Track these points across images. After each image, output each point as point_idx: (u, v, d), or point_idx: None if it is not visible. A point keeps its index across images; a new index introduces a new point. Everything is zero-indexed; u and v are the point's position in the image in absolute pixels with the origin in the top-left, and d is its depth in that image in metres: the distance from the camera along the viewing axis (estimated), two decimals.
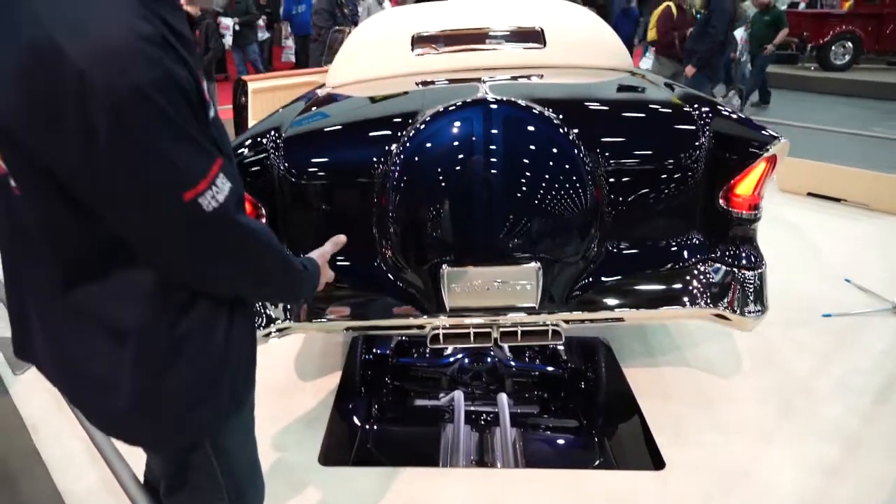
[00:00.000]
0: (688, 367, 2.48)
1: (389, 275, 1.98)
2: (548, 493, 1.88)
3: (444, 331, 1.95)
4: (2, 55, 0.71)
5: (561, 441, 2.32)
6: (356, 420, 2.31)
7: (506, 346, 2.51)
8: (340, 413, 2.30)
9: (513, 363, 2.53)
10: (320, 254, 1.25)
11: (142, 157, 0.73)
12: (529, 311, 1.91)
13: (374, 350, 2.59)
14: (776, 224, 3.85)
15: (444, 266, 1.86)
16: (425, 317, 1.95)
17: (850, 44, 10.20)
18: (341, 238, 1.33)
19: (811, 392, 2.33)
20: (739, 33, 7.17)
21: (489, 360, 2.56)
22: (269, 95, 4.00)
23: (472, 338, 1.95)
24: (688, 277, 1.94)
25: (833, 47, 10.26)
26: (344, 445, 2.16)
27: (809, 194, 4.53)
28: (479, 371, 2.56)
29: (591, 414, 2.31)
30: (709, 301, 1.91)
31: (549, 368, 2.53)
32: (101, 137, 0.70)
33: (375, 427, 2.30)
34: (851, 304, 2.97)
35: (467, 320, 1.93)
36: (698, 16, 5.56)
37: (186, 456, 1.05)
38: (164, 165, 0.74)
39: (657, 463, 1.99)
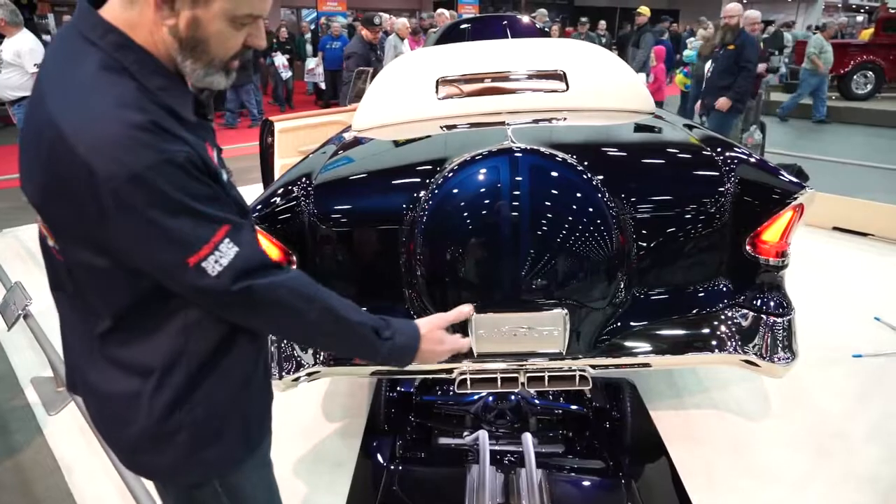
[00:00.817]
0: (716, 410, 2.45)
1: (417, 317, 2.00)
2: None
3: (472, 375, 1.96)
4: (33, 148, 0.86)
5: (587, 483, 2.30)
6: (381, 460, 2.31)
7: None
8: (366, 454, 2.30)
9: (537, 401, 2.52)
10: (436, 321, 1.22)
11: (146, 230, 0.83)
12: (556, 356, 1.91)
13: (398, 388, 2.59)
14: (801, 259, 3.81)
15: (471, 312, 1.87)
16: (452, 362, 1.96)
17: (871, 73, 10.17)
18: (465, 309, 1.30)
19: (845, 436, 2.29)
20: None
21: (513, 398, 2.55)
22: (295, 135, 4.10)
23: (499, 383, 1.96)
24: (716, 323, 1.93)
25: (854, 77, 10.24)
26: (370, 488, 2.16)
27: (835, 228, 4.48)
28: (502, 409, 2.54)
29: (618, 455, 2.29)
30: (737, 347, 1.90)
31: (574, 407, 2.52)
32: (111, 214, 0.81)
33: (401, 468, 2.30)
34: (882, 344, 2.92)
35: (494, 365, 1.94)
36: (720, 51, 5.56)
37: (194, 493, 1.09)
38: (165, 236, 0.84)
39: None
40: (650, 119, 2.65)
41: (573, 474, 2.32)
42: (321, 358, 2.00)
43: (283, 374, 1.98)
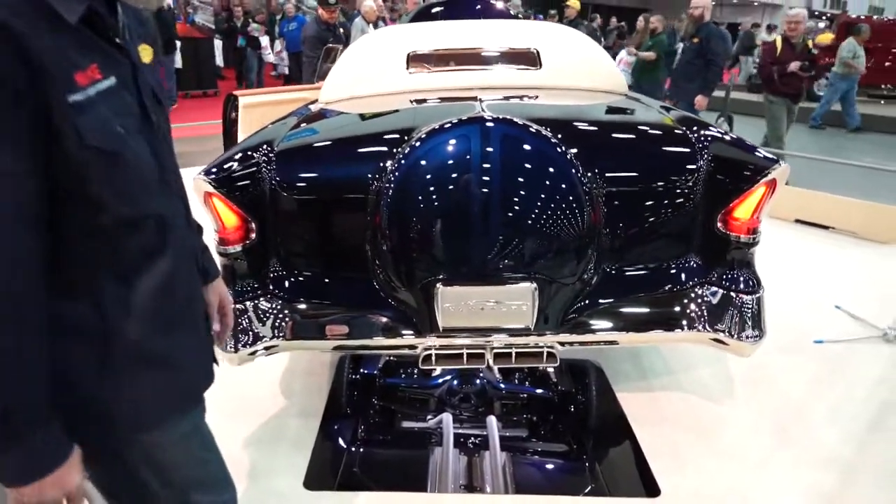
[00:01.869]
0: (682, 392, 2.44)
1: (381, 293, 1.93)
2: None
3: (437, 351, 1.90)
4: None
5: (551, 466, 2.27)
6: (342, 442, 2.24)
7: (496, 368, 2.46)
8: (326, 435, 2.22)
9: (502, 385, 2.48)
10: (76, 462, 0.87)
11: None
12: (524, 332, 1.86)
13: (361, 370, 2.52)
14: (765, 249, 3.84)
15: (437, 285, 1.82)
16: (418, 337, 1.90)
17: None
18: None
19: (806, 418, 2.30)
20: None
21: (478, 381, 2.51)
22: (261, 111, 3.97)
23: (464, 359, 1.90)
24: (685, 301, 1.91)
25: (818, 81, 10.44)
26: (329, 469, 2.08)
27: (797, 221, 4.55)
28: (467, 393, 2.50)
29: (582, 438, 2.26)
30: (706, 325, 1.88)
31: (539, 391, 2.48)
32: None
33: (362, 450, 2.23)
34: (842, 331, 2.96)
35: (460, 341, 1.89)
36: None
37: (113, 468, 1.00)
38: None
39: (652, 490, 1.94)
40: (623, 100, 2.62)
41: (537, 457, 2.28)
42: (280, 331, 1.92)
43: (239, 346, 1.89)
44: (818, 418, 2.30)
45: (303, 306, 1.94)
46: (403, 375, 2.58)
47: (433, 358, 1.90)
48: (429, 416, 2.41)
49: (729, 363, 2.63)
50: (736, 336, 1.86)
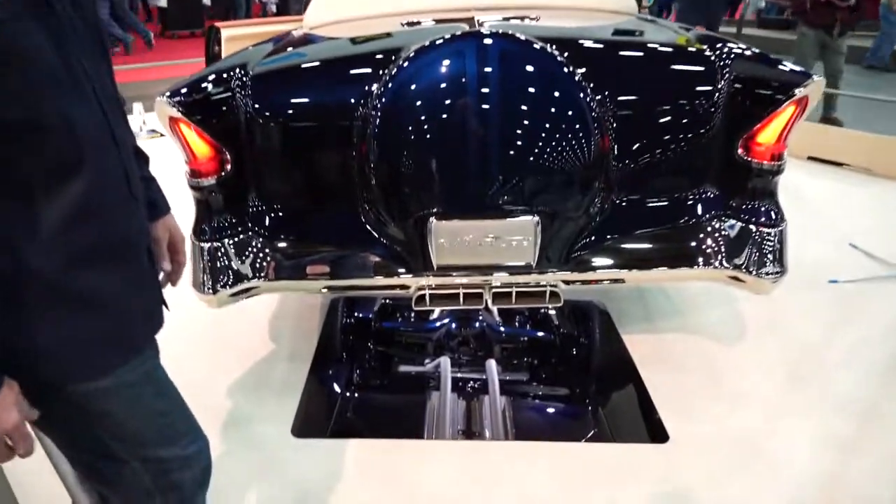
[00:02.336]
0: (690, 334, 2.32)
1: (371, 229, 1.78)
2: (541, 468, 1.72)
3: (431, 291, 1.76)
4: None
5: (552, 410, 2.18)
6: (335, 388, 2.13)
7: (496, 309, 2.34)
8: (317, 381, 2.12)
9: (502, 328, 2.36)
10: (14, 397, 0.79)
11: None
12: (525, 269, 1.72)
13: (356, 314, 2.40)
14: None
15: (431, 220, 1.66)
16: (410, 276, 1.76)
17: None
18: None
19: (821, 361, 2.18)
20: None
21: (477, 325, 2.39)
22: (245, 44, 3.71)
23: (461, 299, 1.77)
24: (701, 235, 1.76)
25: None
26: (320, 416, 1.98)
27: (810, 158, 4.36)
28: (466, 336, 2.39)
29: (585, 382, 2.16)
30: (724, 261, 1.73)
31: (540, 334, 2.37)
32: None
33: (356, 395, 2.13)
34: (857, 270, 2.82)
35: (456, 280, 1.75)
36: None
37: (57, 419, 0.88)
38: None
39: (659, 436, 1.84)
40: (634, 20, 2.41)
41: (538, 401, 2.19)
42: (262, 271, 1.77)
43: (218, 287, 1.75)
44: (833, 361, 2.19)
45: (285, 244, 1.79)
46: (400, 319, 2.46)
47: (427, 298, 1.77)
48: (426, 361, 2.30)
49: (740, 304, 2.50)
50: (755, 273, 1.72)
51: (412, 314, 2.43)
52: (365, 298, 2.44)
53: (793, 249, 2.91)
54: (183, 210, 1.85)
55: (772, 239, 1.72)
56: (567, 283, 1.77)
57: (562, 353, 2.28)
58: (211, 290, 1.74)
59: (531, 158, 1.63)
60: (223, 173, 1.71)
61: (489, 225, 1.67)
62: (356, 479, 1.67)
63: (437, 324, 2.39)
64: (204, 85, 1.71)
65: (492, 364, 2.22)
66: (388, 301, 2.48)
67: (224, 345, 2.24)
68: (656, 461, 1.75)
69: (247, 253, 1.76)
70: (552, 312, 2.43)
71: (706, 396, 1.99)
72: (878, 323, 2.43)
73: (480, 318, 2.36)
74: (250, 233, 1.78)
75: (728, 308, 2.48)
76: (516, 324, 2.42)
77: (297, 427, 1.87)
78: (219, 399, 1.97)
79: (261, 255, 1.77)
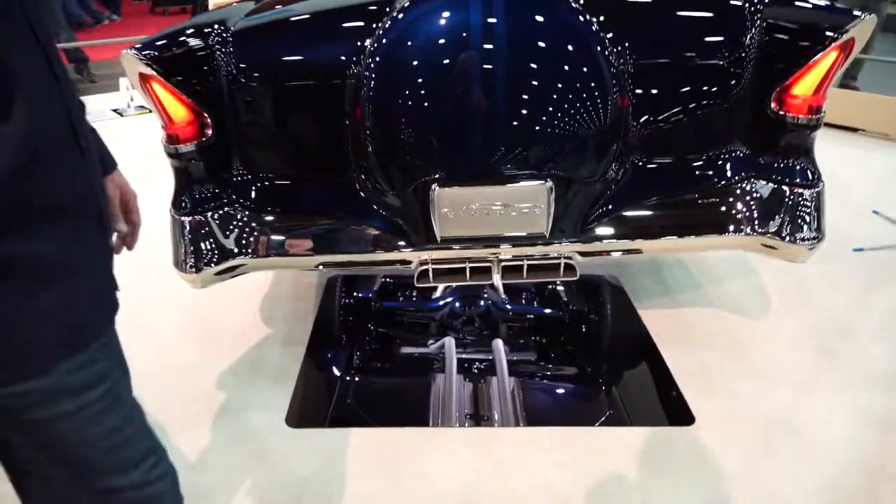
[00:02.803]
0: (711, 308, 2.18)
1: (368, 199, 1.63)
2: (557, 455, 1.58)
3: (434, 266, 1.61)
4: None
5: (564, 391, 2.04)
6: (335, 372, 2.00)
7: (501, 286, 2.19)
8: (314, 366, 1.98)
9: (508, 306, 2.22)
10: None
11: None
12: (538, 240, 1.57)
13: (355, 293, 2.26)
14: None
15: (433, 187, 1.51)
16: (412, 249, 1.60)
17: None
18: None
19: (851, 333, 2.04)
20: None
21: (482, 303, 2.24)
22: None
23: (467, 274, 1.62)
24: (730, 199, 1.61)
25: None
26: (318, 404, 1.84)
27: (825, 124, 4.18)
28: (471, 315, 2.24)
29: (597, 361, 2.02)
30: (755, 227, 1.58)
31: (548, 311, 2.23)
32: None
33: (356, 379, 1.99)
34: (883, 237, 2.67)
35: (461, 253, 1.60)
36: None
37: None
38: None
39: (684, 418, 1.70)
40: None
41: (547, 382, 2.05)
42: (249, 247, 1.62)
43: (202, 265, 1.60)
44: (864, 333, 2.05)
45: (274, 217, 1.64)
46: (402, 298, 2.32)
47: (430, 274, 1.62)
48: (430, 342, 2.16)
49: (762, 275, 2.35)
50: (790, 239, 1.57)
51: (414, 293, 2.29)
52: (364, 277, 2.30)
53: None
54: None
55: (808, 201, 1.57)
56: (583, 254, 1.62)
57: (572, 330, 2.14)
58: (193, 269, 1.59)
59: (543, 118, 1.47)
60: (203, 139, 1.55)
61: (497, 192, 1.52)
62: (356, 471, 1.54)
63: (441, 302, 2.24)
64: (180, 39, 1.54)
65: (499, 344, 2.08)
66: (388, 279, 2.34)
67: (214, 328, 2.09)
68: (683, 445, 1.61)
69: (232, 227, 1.61)
70: (560, 288, 2.29)
71: (732, 373, 1.85)
72: None
73: (485, 295, 2.22)
74: (236, 205, 1.62)
75: (750, 279, 2.34)
76: (523, 301, 2.28)
77: (292, 416, 1.73)
78: (208, 386, 1.83)
79: (247, 229, 1.62)
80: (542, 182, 1.50)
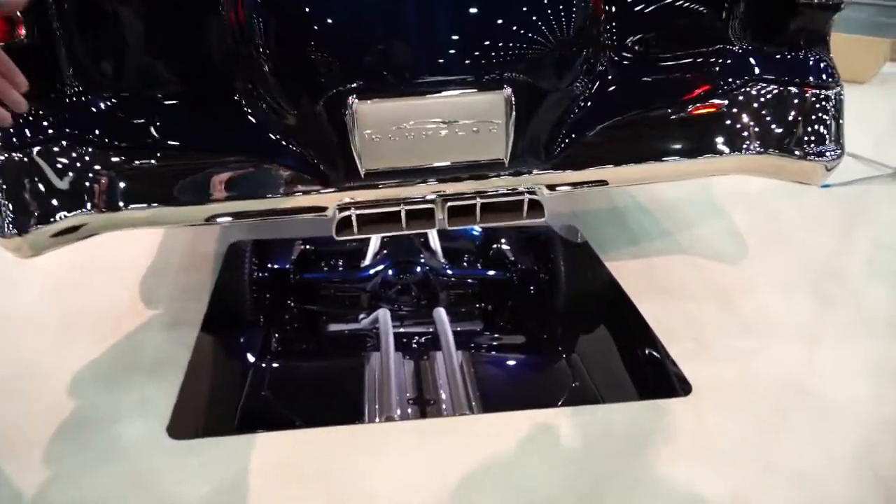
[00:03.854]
0: (685, 255, 1.89)
1: (262, 124, 1.20)
2: (525, 447, 1.23)
3: (359, 211, 1.21)
4: None
5: (518, 363, 1.70)
6: (248, 357, 1.58)
7: (439, 248, 1.83)
8: (210, 354, 1.55)
9: (449, 271, 1.85)
10: None
11: None
12: (493, 170, 1.20)
13: (269, 264, 1.83)
14: None
15: (351, 101, 1.11)
16: (327, 191, 1.20)
17: None
18: None
19: (842, 274, 1.80)
20: None
21: (419, 269, 1.86)
22: None
23: (403, 220, 1.23)
24: (728, 109, 1.28)
25: None
26: (214, 405, 1.42)
27: None
28: (407, 283, 1.86)
29: (555, 326, 1.70)
30: (761, 142, 1.26)
31: (493, 273, 1.88)
32: None
33: (273, 365, 1.58)
34: (849, 173, 2.46)
35: (394, 192, 1.20)
36: None
37: None
38: None
39: (680, 386, 1.39)
40: None
41: (499, 353, 1.71)
42: (97, 195, 1.16)
43: (29, 225, 1.14)
44: (855, 273, 1.82)
45: (131, 153, 1.19)
46: (325, 268, 1.91)
47: (354, 222, 1.22)
48: (361, 316, 1.77)
49: (733, 217, 2.09)
50: (806, 154, 1.26)
51: (340, 262, 1.90)
52: (279, 244, 1.88)
53: None
54: None
55: (826, 105, 1.26)
56: (551, 187, 1.26)
57: (521, 293, 1.80)
58: (15, 230, 1.12)
59: (497, 2, 1.09)
60: (13, 40, 1.07)
61: (438, 104, 1.13)
62: (266, 494, 1.13)
63: (371, 271, 1.85)
64: None
65: (441, 313, 1.71)
66: (308, 246, 1.93)
67: (77, 312, 1.62)
68: (682, 420, 1.30)
69: (69, 167, 1.15)
70: (506, 247, 1.94)
71: (724, 329, 1.56)
72: (887, 227, 2.08)
73: (422, 260, 1.84)
74: (73, 136, 1.16)
75: (721, 222, 2.07)
76: (465, 264, 1.92)
77: (178, 424, 1.30)
78: (65, 390, 1.37)
79: (92, 169, 1.16)
80: (499, 91, 1.12)
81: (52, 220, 1.14)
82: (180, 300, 1.68)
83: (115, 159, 1.17)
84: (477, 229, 1.97)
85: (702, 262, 1.84)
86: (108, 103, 1.18)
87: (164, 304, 1.66)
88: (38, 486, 1.13)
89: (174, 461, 1.18)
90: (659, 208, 2.15)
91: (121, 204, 1.17)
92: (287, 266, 1.83)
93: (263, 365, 1.57)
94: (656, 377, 1.45)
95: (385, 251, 1.83)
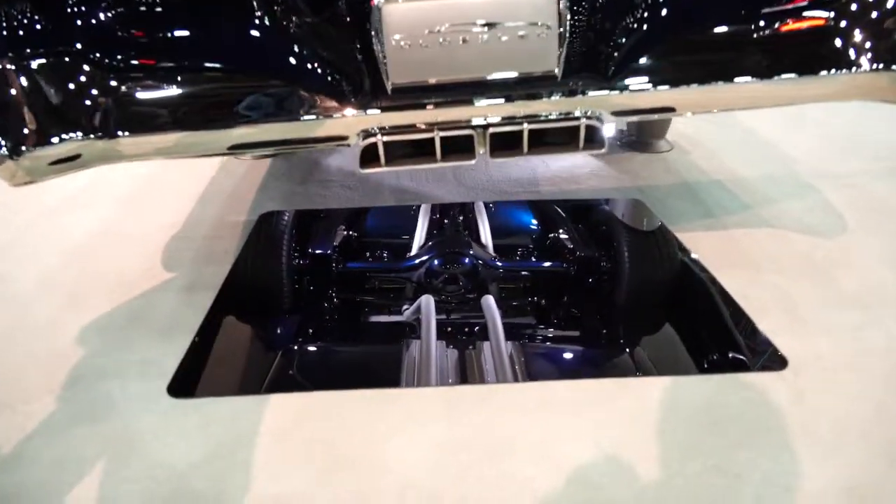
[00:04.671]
0: (771, 228, 1.64)
1: (279, 32, 1.06)
2: (581, 418, 1.02)
3: (386, 137, 1.04)
4: None
5: (576, 349, 1.48)
6: (261, 329, 1.43)
7: (490, 241, 1.66)
8: (222, 320, 1.40)
9: (499, 262, 1.66)
10: None
11: None
12: (545, 84, 1.01)
13: (310, 249, 1.68)
14: None
15: (377, 0, 0.95)
16: (349, 112, 1.04)
17: None
18: None
19: None
20: None
21: (467, 260, 1.67)
22: None
23: (437, 151, 1.05)
24: (831, 19, 1.06)
25: None
26: (224, 366, 1.26)
27: None
28: (454, 274, 1.67)
29: (619, 319, 1.47)
30: (876, 57, 1.04)
31: (547, 264, 1.67)
32: None
33: (300, 340, 1.42)
34: None
35: (427, 114, 1.04)
36: None
37: None
38: None
39: (773, 360, 1.15)
40: None
41: (550, 344, 1.50)
42: (99, 118, 1.04)
43: (23, 146, 1.02)
44: None
45: (136, 72, 1.06)
46: (369, 257, 1.74)
47: (381, 151, 1.05)
48: (405, 307, 1.59)
49: (823, 191, 1.82)
50: None
51: (385, 253, 1.74)
52: (323, 228, 1.72)
53: (857, 129, 2.29)
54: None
55: None
56: (617, 114, 1.06)
57: (579, 285, 1.57)
58: (7, 151, 1.01)
59: None
60: None
61: (478, 3, 0.96)
62: (269, 457, 0.96)
63: (416, 260, 1.68)
64: None
65: (490, 300, 1.51)
66: (351, 233, 1.77)
67: (91, 273, 1.51)
68: (776, 398, 1.05)
69: (72, 82, 1.03)
70: (564, 237, 1.73)
71: (821, 302, 1.31)
72: None
73: (471, 252, 1.66)
74: (76, 50, 1.04)
75: (810, 198, 1.81)
76: (517, 256, 1.73)
77: (179, 382, 1.15)
78: (66, 347, 1.25)
79: (97, 89, 1.04)
80: None
81: (49, 142, 1.03)
82: (202, 265, 1.55)
83: (120, 77, 1.05)
84: (534, 222, 1.79)
85: (792, 236, 1.59)
86: (113, 13, 1.06)
87: (184, 269, 1.53)
88: (16, 443, 0.99)
89: (169, 421, 1.03)
90: (734, 184, 1.91)
91: (124, 128, 1.05)
92: (329, 253, 1.68)
93: (289, 342, 1.42)
94: (741, 352, 1.21)
95: (431, 243, 1.67)
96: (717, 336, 1.27)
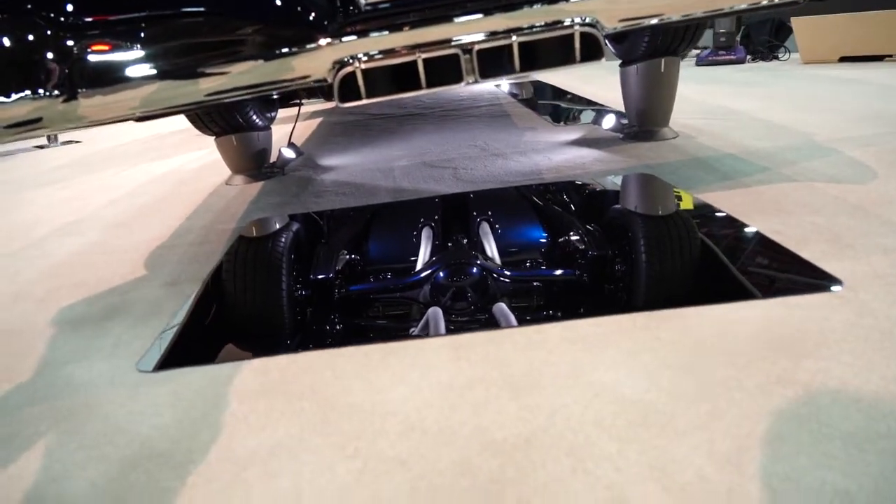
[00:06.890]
0: (797, 182, 1.52)
1: None
2: (596, 353, 0.87)
3: (365, 65, 0.96)
4: None
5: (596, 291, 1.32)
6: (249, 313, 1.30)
7: (496, 251, 1.56)
8: (205, 302, 1.28)
9: (507, 272, 1.54)
10: None
11: None
12: None
13: (311, 275, 1.56)
14: (811, 102, 2.96)
15: None
16: (317, 39, 0.96)
17: None
18: None
19: None
20: None
21: (475, 270, 1.56)
22: None
23: (422, 76, 0.97)
24: None
25: None
26: (202, 337, 1.13)
27: (843, 59, 3.67)
28: (461, 287, 1.54)
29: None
30: None
31: (558, 272, 1.54)
32: None
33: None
34: None
35: (405, 37, 0.95)
36: None
37: None
38: None
39: (823, 281, 1.01)
40: None
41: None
42: (57, 74, 0.97)
43: None
44: None
45: (95, 27, 1.00)
46: (371, 278, 1.62)
47: (359, 81, 0.96)
48: (412, 329, 1.45)
49: (846, 149, 1.71)
50: None
51: (388, 274, 1.63)
52: (324, 256, 1.62)
53: (871, 106, 2.18)
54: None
55: None
56: (619, 22, 0.98)
57: (594, 291, 1.45)
58: None
59: None
60: None
61: None
62: (244, 414, 0.81)
63: (421, 275, 1.56)
64: None
65: (502, 307, 1.38)
66: (353, 256, 1.67)
67: (74, 284, 1.40)
68: (840, 310, 0.90)
69: (26, 40, 0.97)
70: (574, 238, 1.61)
71: (867, 231, 1.17)
72: None
73: (479, 263, 1.54)
74: (28, 2, 0.98)
75: (834, 156, 1.70)
76: (526, 265, 1.61)
77: (149, 356, 1.02)
78: (33, 336, 1.13)
79: (57, 41, 0.97)
80: None
81: (4, 99, 0.95)
82: (186, 265, 1.44)
83: (78, 31, 0.98)
84: (541, 232, 1.68)
85: (819, 186, 1.46)
86: None
87: (169, 268, 1.42)
88: None
89: (136, 392, 0.89)
90: (748, 154, 1.81)
91: (86, 85, 0.97)
92: (330, 276, 1.56)
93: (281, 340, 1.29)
94: (789, 275, 1.06)
95: (434, 258, 1.56)
96: (757, 265, 1.13)
